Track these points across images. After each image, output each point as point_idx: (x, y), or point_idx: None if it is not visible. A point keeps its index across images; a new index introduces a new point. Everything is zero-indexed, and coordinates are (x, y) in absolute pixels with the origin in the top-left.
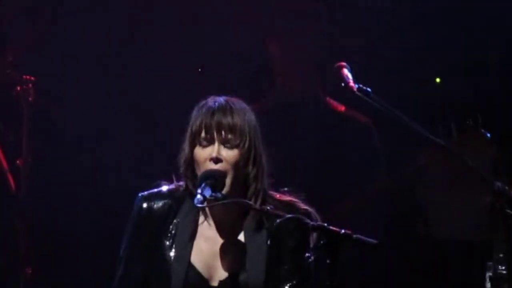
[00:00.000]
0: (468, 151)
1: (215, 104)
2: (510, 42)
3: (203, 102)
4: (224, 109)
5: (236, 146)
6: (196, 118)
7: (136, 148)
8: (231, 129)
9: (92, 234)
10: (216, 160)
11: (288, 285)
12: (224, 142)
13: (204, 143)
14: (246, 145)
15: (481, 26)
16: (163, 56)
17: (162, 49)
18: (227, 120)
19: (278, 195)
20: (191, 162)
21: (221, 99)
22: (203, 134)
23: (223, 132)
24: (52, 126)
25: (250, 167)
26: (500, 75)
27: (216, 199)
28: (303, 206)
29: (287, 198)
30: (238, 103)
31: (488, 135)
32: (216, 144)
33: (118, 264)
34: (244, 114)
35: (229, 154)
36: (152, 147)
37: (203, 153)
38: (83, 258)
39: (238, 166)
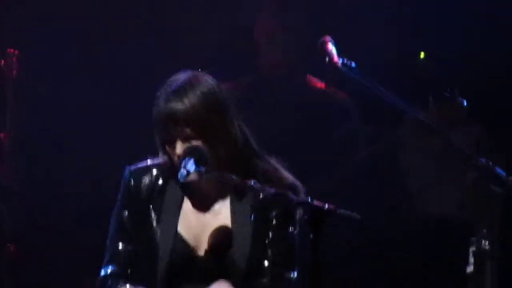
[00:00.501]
0: (446, 123)
1: (169, 91)
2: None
3: (164, 85)
4: (177, 96)
5: (199, 138)
6: (154, 109)
7: (122, 121)
8: (187, 121)
9: (78, 208)
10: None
11: (271, 255)
12: (184, 138)
13: (167, 140)
14: (210, 132)
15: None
16: (146, 29)
17: (145, 23)
18: (180, 109)
19: (264, 166)
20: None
21: (177, 82)
22: (163, 133)
23: (179, 128)
24: (36, 100)
25: (223, 148)
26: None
27: (200, 173)
28: (290, 178)
29: (273, 168)
30: (195, 83)
31: (465, 103)
32: (178, 142)
33: (109, 241)
34: (200, 95)
35: None
36: (139, 120)
37: (169, 149)
38: (69, 233)
39: (208, 152)
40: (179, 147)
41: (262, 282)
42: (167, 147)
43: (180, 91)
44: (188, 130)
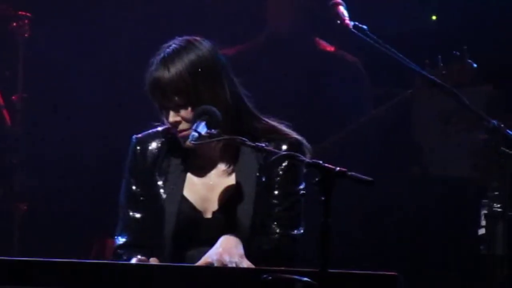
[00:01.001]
0: (454, 84)
1: (158, 60)
2: None
3: (157, 52)
4: (164, 65)
5: (188, 105)
6: (145, 77)
7: (135, 84)
8: (173, 90)
9: (89, 167)
10: (176, 124)
11: (276, 213)
12: (174, 106)
13: (160, 108)
14: (198, 100)
15: None
16: None
17: None
18: (166, 78)
19: (263, 127)
20: None
21: (168, 50)
22: (155, 102)
23: (168, 97)
24: (47, 62)
25: (221, 111)
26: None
27: (211, 136)
28: (293, 135)
29: (271, 126)
30: (184, 50)
31: (474, 65)
32: (171, 111)
33: (120, 209)
34: (187, 63)
35: (186, 114)
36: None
37: (165, 117)
38: (80, 193)
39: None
40: (171, 116)
41: (267, 239)
42: (164, 115)
43: (168, 59)
44: (176, 99)
